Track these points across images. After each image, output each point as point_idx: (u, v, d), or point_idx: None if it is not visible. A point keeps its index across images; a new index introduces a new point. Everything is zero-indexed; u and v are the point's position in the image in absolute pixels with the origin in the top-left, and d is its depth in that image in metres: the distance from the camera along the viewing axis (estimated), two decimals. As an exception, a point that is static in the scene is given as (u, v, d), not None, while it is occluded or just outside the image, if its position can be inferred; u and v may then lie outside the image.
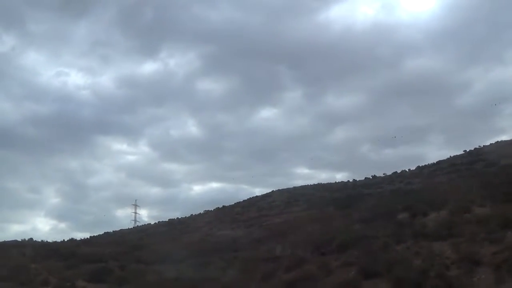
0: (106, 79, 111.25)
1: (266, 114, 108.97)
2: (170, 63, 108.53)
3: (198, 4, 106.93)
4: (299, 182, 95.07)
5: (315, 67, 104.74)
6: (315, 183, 65.42)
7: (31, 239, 48.41)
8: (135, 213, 62.12)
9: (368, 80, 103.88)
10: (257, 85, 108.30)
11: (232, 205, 65.62)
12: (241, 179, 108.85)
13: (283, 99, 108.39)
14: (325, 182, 63.46)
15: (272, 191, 65.27)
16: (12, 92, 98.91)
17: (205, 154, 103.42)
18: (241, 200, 68.10)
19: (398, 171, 58.94)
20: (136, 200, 64.60)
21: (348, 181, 62.44)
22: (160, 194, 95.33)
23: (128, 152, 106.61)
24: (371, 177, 62.80)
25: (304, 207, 54.23)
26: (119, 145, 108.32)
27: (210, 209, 68.05)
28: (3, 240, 43.73)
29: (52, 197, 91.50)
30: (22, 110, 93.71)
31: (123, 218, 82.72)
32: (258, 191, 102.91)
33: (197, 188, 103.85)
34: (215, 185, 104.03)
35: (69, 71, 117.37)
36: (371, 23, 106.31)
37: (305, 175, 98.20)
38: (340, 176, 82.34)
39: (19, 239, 47.12)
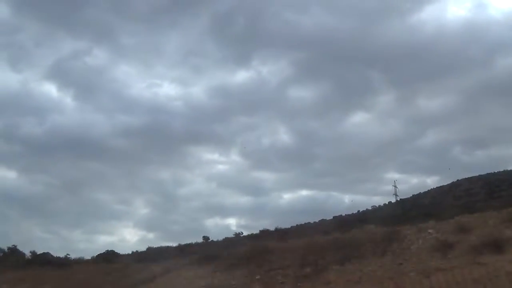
0: (198, 89, 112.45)
1: (358, 119, 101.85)
2: (263, 71, 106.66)
3: (290, 10, 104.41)
4: (389, 188, 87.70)
5: (407, 69, 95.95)
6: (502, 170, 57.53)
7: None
8: (395, 195, 62.66)
9: (460, 80, 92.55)
10: (348, 90, 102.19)
11: (407, 198, 60.81)
12: (331, 186, 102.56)
13: (374, 103, 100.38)
14: None
15: (457, 180, 59.01)
16: (104, 105, 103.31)
17: (296, 161, 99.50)
18: (411, 196, 63.36)
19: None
20: (395, 181, 64.78)
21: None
22: (250, 203, 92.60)
23: (219, 161, 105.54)
24: None
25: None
26: (210, 155, 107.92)
27: (383, 204, 63.91)
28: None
29: (142, 208, 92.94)
30: (113, 122, 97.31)
31: (212, 227, 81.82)
32: (348, 198, 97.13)
33: (287, 196, 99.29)
34: (305, 192, 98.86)
35: (161, 83, 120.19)
36: (462, 22, 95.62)
37: (395, 180, 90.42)
38: (430, 181, 75.92)
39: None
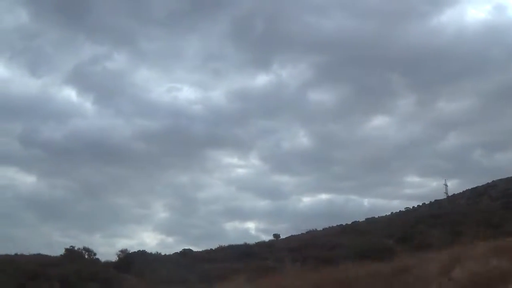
0: (218, 93, 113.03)
1: (378, 123, 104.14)
2: (282, 74, 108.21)
3: (310, 14, 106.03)
4: (409, 191, 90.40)
5: (427, 72, 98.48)
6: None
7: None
8: (446, 193, 64.07)
9: (480, 83, 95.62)
10: (368, 93, 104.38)
11: (441, 200, 62.82)
12: (350, 189, 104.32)
13: (395, 107, 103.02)
14: None
15: (493, 181, 61.31)
16: (123, 109, 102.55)
17: (315, 164, 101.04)
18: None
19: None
20: (445, 180, 65.94)
21: None
22: (269, 207, 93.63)
23: (238, 165, 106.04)
24: None
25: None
26: (229, 159, 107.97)
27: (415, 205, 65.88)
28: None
29: (161, 212, 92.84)
30: (133, 127, 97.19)
31: (231, 231, 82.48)
32: (367, 202, 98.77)
33: (306, 200, 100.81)
34: (324, 196, 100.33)
35: (181, 87, 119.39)
36: (482, 25, 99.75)
37: (415, 183, 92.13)
38: (450, 184, 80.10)
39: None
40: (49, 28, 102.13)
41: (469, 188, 62.96)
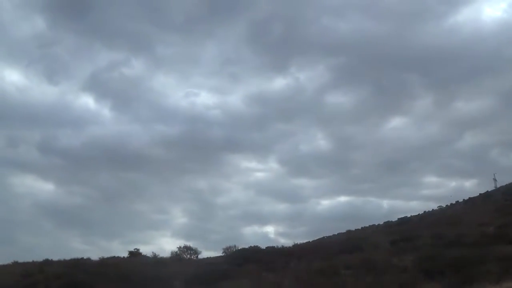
0: (236, 98, 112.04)
1: (395, 124, 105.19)
2: (300, 77, 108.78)
3: (327, 16, 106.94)
4: (426, 192, 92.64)
5: (444, 72, 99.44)
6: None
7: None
8: (496, 186, 65.49)
9: (497, 82, 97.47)
10: (386, 94, 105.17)
11: (475, 197, 64.45)
12: (369, 191, 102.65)
13: (412, 107, 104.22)
14: None
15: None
16: (141, 115, 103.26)
17: (334, 167, 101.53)
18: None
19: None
20: (494, 174, 67.61)
21: None
22: (287, 210, 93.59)
23: (257, 169, 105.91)
24: None
25: None
26: (248, 163, 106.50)
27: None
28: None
29: (180, 217, 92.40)
30: (151, 132, 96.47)
31: (250, 235, 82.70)
32: (386, 203, 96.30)
33: (325, 203, 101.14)
34: (343, 198, 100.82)
35: (198, 92, 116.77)
36: (498, 23, 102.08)
37: (433, 184, 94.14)
38: (469, 184, 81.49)
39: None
40: (65, 35, 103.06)
41: (503, 185, 64.87)
